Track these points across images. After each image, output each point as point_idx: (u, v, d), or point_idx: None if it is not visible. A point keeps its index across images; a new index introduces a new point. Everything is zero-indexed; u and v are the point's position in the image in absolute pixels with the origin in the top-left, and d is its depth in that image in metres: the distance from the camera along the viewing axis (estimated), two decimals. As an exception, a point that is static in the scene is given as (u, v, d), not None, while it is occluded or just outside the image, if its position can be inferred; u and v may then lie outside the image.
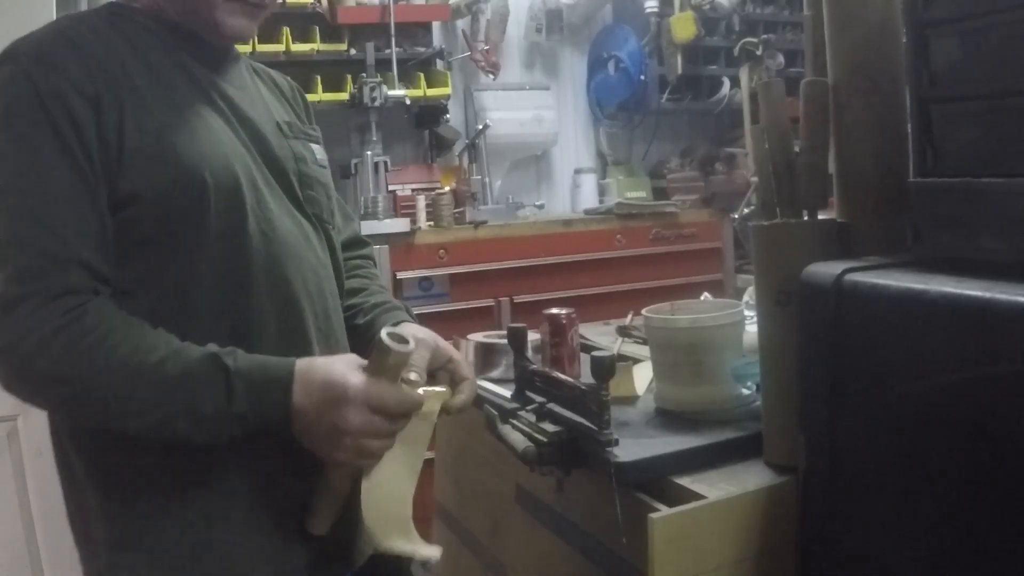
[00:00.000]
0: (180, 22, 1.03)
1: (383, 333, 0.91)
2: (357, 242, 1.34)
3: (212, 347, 0.91)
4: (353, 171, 3.05)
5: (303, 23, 3.05)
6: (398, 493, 0.99)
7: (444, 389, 1.01)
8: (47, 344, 0.86)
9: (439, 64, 3.29)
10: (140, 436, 0.90)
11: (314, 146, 1.18)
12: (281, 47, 2.96)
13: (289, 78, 1.32)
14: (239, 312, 0.97)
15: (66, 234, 0.89)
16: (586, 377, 1.01)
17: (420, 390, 0.95)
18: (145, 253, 0.94)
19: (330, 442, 0.91)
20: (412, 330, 1.05)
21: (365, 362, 0.93)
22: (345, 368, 0.92)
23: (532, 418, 1.08)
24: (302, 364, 0.92)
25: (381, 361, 0.91)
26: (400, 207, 2.99)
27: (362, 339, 1.15)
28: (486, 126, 3.25)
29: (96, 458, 0.96)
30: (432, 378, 1.02)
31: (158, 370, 0.88)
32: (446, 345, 1.07)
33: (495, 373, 1.38)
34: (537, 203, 3.38)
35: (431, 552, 0.99)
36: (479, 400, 1.28)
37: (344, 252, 1.25)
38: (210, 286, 0.96)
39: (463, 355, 1.38)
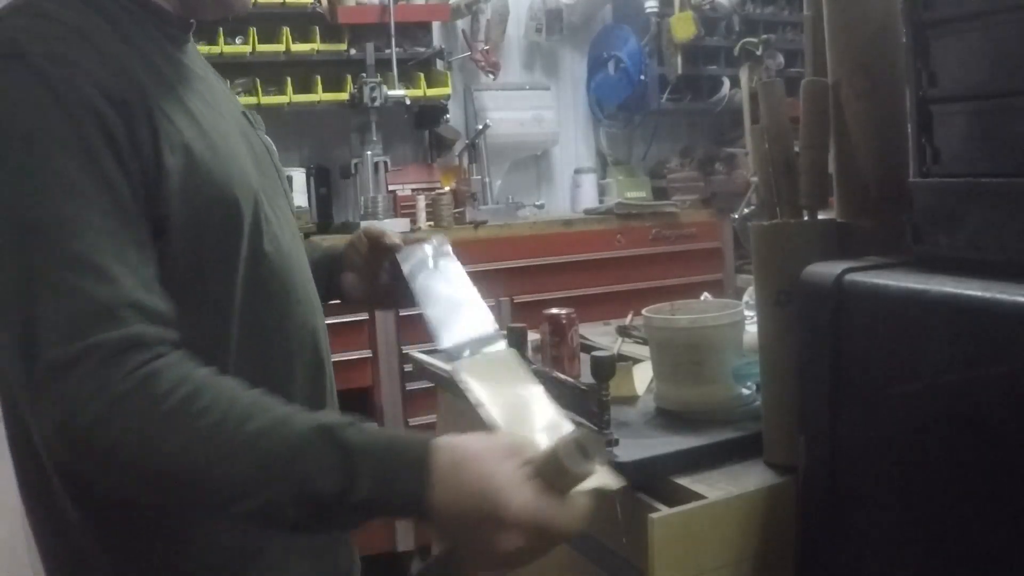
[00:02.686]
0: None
1: (563, 443, 0.71)
2: None
3: (323, 416, 0.75)
4: (353, 171, 3.05)
5: (303, 23, 3.05)
6: None
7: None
8: (113, 415, 0.69)
9: (439, 64, 3.29)
10: (245, 522, 0.77)
11: (267, 138, 1.07)
12: (281, 47, 2.96)
13: None
14: (268, 337, 0.89)
15: (114, 273, 0.72)
16: (586, 377, 1.01)
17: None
18: (174, 287, 0.79)
19: (473, 553, 0.74)
20: (371, 225, 1.18)
21: (523, 450, 0.74)
22: (508, 473, 0.72)
23: (532, 418, 1.08)
24: (443, 451, 0.73)
25: (557, 477, 0.72)
26: (400, 207, 2.99)
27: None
28: (486, 126, 3.25)
29: (106, 524, 0.84)
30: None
31: (258, 443, 0.71)
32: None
33: (495, 373, 1.38)
34: (537, 203, 3.38)
35: None
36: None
37: None
38: (241, 314, 0.86)
39: None
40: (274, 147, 1.06)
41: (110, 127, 0.75)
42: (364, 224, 1.26)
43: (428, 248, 1.13)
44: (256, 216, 0.88)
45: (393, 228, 2.77)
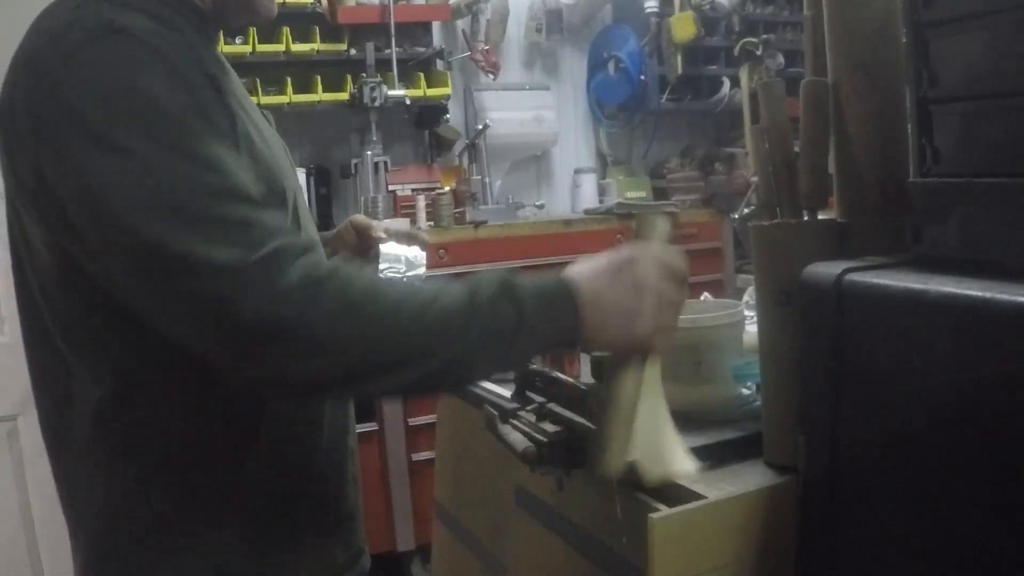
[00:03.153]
0: (206, 4, 0.93)
1: (642, 212, 0.99)
2: None
3: (487, 274, 0.84)
4: (353, 171, 3.06)
5: (303, 23, 3.05)
6: (666, 418, 0.90)
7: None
8: (318, 295, 0.74)
9: (439, 64, 3.29)
10: (431, 382, 0.81)
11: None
12: (281, 47, 2.96)
13: None
14: None
15: (272, 209, 0.80)
16: (586, 377, 1.01)
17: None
18: None
19: (629, 314, 0.85)
20: (359, 216, 1.23)
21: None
22: (614, 252, 0.89)
23: (532, 418, 1.08)
24: (569, 270, 0.88)
25: (648, 235, 0.92)
26: (400, 207, 2.99)
27: None
28: (486, 126, 3.25)
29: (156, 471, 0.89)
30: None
31: (435, 304, 0.79)
32: (393, 223, 1.31)
33: (495, 373, 1.38)
34: (537, 203, 3.38)
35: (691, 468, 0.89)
36: (479, 400, 1.28)
37: None
38: None
39: None
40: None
41: (212, 96, 0.82)
42: (353, 216, 1.32)
43: (405, 255, 1.25)
44: (295, 208, 0.95)
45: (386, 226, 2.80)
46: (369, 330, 0.77)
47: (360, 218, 1.30)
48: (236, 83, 0.98)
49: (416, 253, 1.27)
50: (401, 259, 1.25)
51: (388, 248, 1.25)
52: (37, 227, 0.83)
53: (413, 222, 2.88)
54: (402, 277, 1.23)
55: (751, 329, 1.12)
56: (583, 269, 0.87)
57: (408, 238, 1.30)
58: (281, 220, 0.82)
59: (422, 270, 1.26)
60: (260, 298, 0.73)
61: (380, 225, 1.30)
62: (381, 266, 1.23)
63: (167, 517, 0.89)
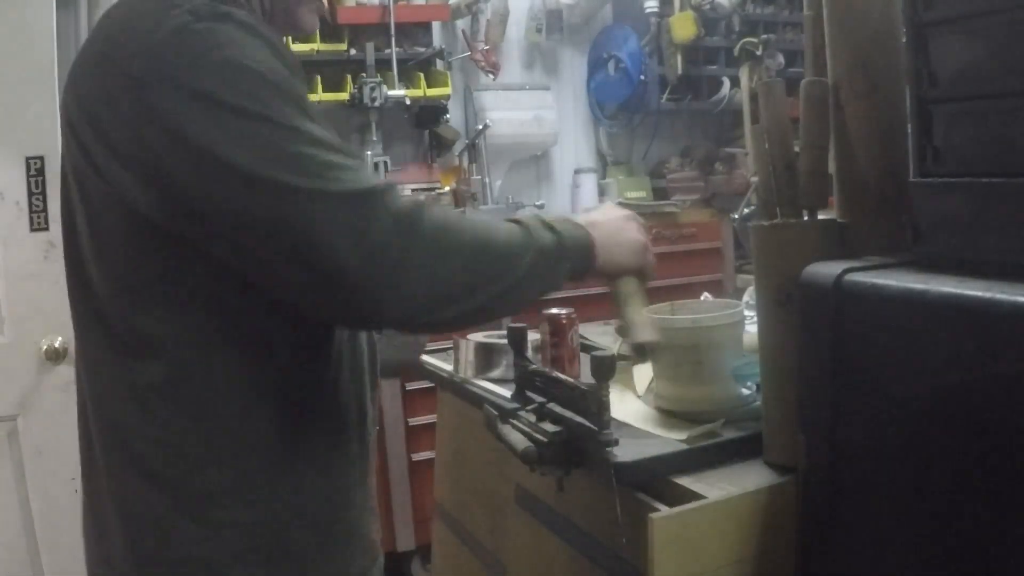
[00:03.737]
0: (266, 14, 1.01)
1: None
2: None
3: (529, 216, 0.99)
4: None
5: (303, 23, 3.04)
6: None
7: None
8: (414, 217, 0.84)
9: (439, 64, 3.29)
10: (498, 306, 0.93)
11: None
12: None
13: None
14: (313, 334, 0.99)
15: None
16: (586, 377, 1.01)
17: None
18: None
19: (634, 252, 1.08)
20: None
21: None
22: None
23: (532, 418, 1.08)
24: (587, 216, 1.07)
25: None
26: (400, 207, 2.99)
27: None
28: (486, 126, 3.25)
29: (174, 462, 0.90)
30: None
31: (501, 234, 0.93)
32: None
33: (495, 373, 1.38)
34: (537, 203, 3.38)
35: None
36: (479, 400, 1.28)
37: None
38: None
39: (464, 355, 1.40)
40: None
41: (300, 73, 0.89)
42: None
43: None
44: None
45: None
46: (458, 254, 0.87)
47: None
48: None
49: None
50: None
51: None
52: (130, 190, 0.85)
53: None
54: None
55: (751, 329, 1.12)
56: (580, 215, 1.07)
57: None
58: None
59: None
60: (386, 219, 0.82)
61: None
62: None
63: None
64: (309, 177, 0.81)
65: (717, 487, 0.95)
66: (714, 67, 3.59)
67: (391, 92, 3.03)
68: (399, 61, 3.10)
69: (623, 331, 1.13)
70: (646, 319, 1.11)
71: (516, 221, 0.98)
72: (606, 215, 1.09)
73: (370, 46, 3.03)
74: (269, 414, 0.91)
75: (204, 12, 0.84)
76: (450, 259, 0.86)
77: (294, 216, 0.80)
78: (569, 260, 0.99)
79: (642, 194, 3.54)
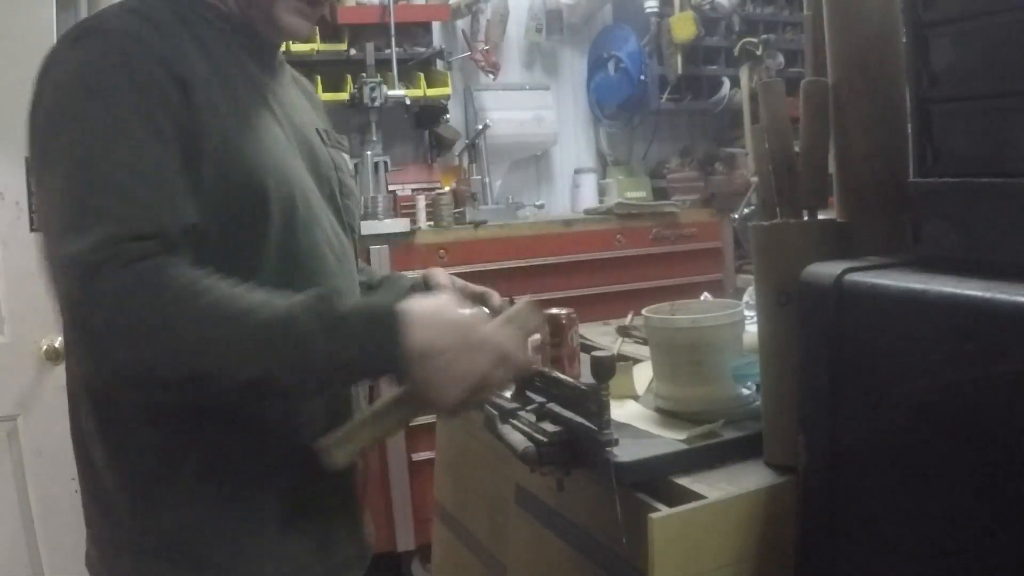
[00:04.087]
0: (239, 16, 1.01)
1: (521, 301, 0.94)
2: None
3: (311, 292, 0.85)
4: (353, 171, 3.05)
5: (303, 23, 3.04)
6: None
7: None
8: (129, 299, 0.79)
9: (439, 64, 3.29)
10: (240, 395, 0.84)
11: (345, 155, 1.19)
12: (281, 47, 2.96)
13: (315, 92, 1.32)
14: None
15: (153, 211, 0.84)
16: (586, 377, 1.01)
17: None
18: (205, 263, 0.88)
19: (448, 382, 0.86)
20: (432, 273, 1.15)
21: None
22: (473, 315, 0.91)
23: (532, 418, 1.08)
24: (410, 304, 0.87)
25: (514, 323, 0.93)
26: (400, 207, 2.99)
27: None
28: (486, 126, 3.25)
29: (129, 468, 0.94)
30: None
31: (254, 315, 0.81)
32: (458, 280, 1.19)
33: (495, 373, 1.38)
34: (537, 203, 3.38)
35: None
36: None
37: None
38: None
39: None
40: (346, 163, 1.16)
41: (167, 93, 0.87)
42: (431, 271, 1.25)
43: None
44: (291, 210, 0.95)
45: (393, 228, 2.79)
46: (177, 331, 0.80)
47: (438, 276, 1.24)
48: (273, 94, 1.03)
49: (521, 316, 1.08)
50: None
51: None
52: None
53: (413, 222, 2.88)
54: None
55: (751, 329, 1.12)
56: (426, 311, 0.87)
57: (479, 300, 1.21)
58: (161, 216, 0.84)
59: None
60: (94, 299, 0.79)
61: (453, 286, 1.22)
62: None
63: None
64: (58, 239, 0.82)
65: (717, 487, 0.95)
66: (714, 67, 3.59)
67: (391, 92, 3.02)
68: (399, 61, 3.10)
69: (331, 440, 0.93)
70: (365, 443, 0.95)
71: (297, 302, 0.84)
72: (459, 344, 0.86)
73: (370, 46, 3.03)
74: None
75: (84, 29, 0.91)
76: (177, 326, 0.80)
77: (49, 276, 0.83)
78: (350, 359, 0.83)
79: (642, 194, 3.54)
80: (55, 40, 0.96)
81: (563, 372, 1.21)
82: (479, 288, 1.21)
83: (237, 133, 0.92)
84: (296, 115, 1.06)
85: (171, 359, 0.80)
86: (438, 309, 0.88)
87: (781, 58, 3.49)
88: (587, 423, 1.00)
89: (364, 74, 3.01)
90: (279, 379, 0.82)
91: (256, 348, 0.80)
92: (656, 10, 3.42)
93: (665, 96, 3.51)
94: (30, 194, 2.02)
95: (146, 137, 0.85)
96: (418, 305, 0.87)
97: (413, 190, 3.08)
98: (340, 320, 0.83)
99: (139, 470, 0.93)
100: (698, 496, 0.93)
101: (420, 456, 2.70)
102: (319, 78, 3.01)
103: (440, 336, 0.85)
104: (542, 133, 3.51)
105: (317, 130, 1.12)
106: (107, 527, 0.98)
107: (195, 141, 0.88)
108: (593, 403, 0.98)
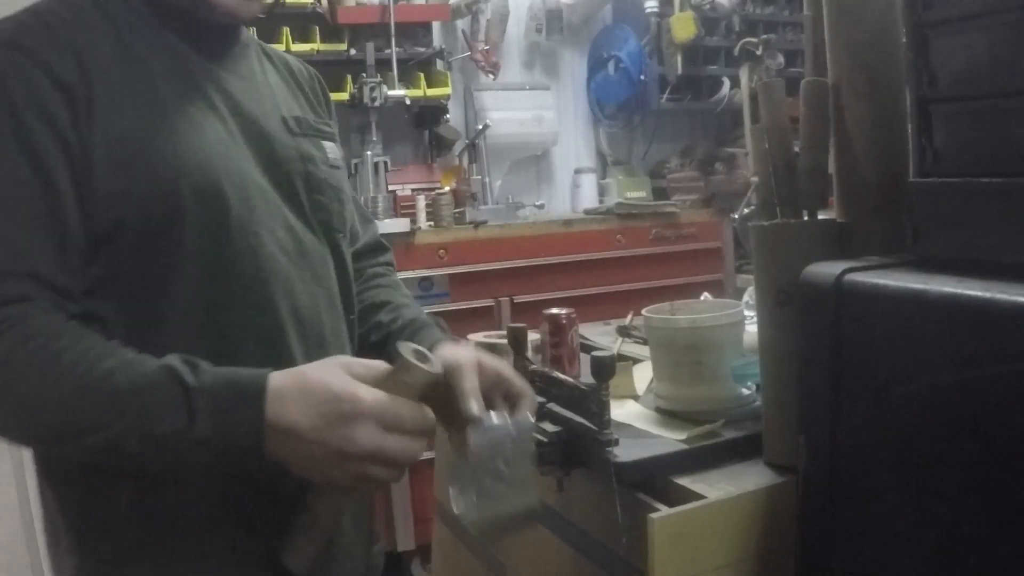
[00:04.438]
0: (172, 1, 0.92)
1: (405, 349, 0.81)
2: (377, 247, 1.23)
3: (171, 358, 0.78)
4: (353, 171, 3.05)
5: (303, 23, 3.05)
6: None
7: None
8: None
9: (439, 64, 3.29)
10: (94, 459, 0.79)
11: (327, 144, 1.05)
12: (281, 47, 2.96)
13: (309, 66, 1.18)
14: (216, 343, 0.86)
15: (19, 245, 0.79)
16: (586, 377, 1.01)
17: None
18: (116, 273, 0.84)
19: (330, 465, 0.78)
20: (450, 350, 0.90)
21: (362, 370, 0.81)
22: (348, 380, 0.79)
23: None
24: (281, 376, 0.79)
25: (400, 379, 0.80)
26: (400, 207, 2.99)
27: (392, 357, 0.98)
28: (486, 126, 3.25)
29: (67, 494, 0.88)
30: (487, 401, 0.88)
31: (106, 381, 0.76)
32: (492, 362, 0.91)
33: (495, 373, 1.38)
34: (537, 203, 3.38)
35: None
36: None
37: (363, 260, 1.17)
38: (185, 312, 0.86)
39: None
40: (324, 153, 1.03)
41: (51, 108, 0.81)
42: (446, 355, 0.89)
43: (505, 431, 0.88)
44: (217, 212, 0.87)
45: (393, 228, 2.79)
46: (25, 391, 0.77)
47: (458, 366, 0.89)
48: (218, 84, 0.94)
49: (522, 419, 0.90)
50: (501, 440, 0.87)
51: (483, 432, 0.87)
52: None
53: (413, 222, 2.88)
54: (505, 466, 0.87)
55: (751, 329, 1.12)
56: (298, 385, 0.78)
57: (503, 386, 0.92)
58: (32, 256, 0.79)
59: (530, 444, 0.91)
60: None
61: (473, 390, 0.88)
62: (472, 445, 0.86)
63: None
64: None
65: (717, 487, 0.95)
66: (714, 67, 3.59)
67: (391, 92, 3.02)
68: (399, 61, 3.10)
69: (285, 547, 0.85)
70: (318, 545, 0.86)
71: (154, 367, 0.78)
72: (330, 420, 0.77)
73: (370, 46, 3.03)
74: None
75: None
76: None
77: None
78: (204, 437, 0.76)
79: (642, 194, 3.54)
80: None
81: (563, 372, 1.21)
82: (517, 383, 0.93)
83: (144, 133, 0.85)
84: (250, 103, 0.96)
85: (17, 419, 0.78)
86: (314, 381, 0.78)
87: (781, 58, 3.49)
88: (587, 423, 1.00)
89: (364, 74, 3.01)
90: (132, 451, 0.76)
91: (103, 416, 0.76)
92: (656, 10, 3.42)
93: (665, 96, 3.51)
94: None
95: (19, 167, 0.80)
96: (292, 377, 0.79)
97: (413, 190, 3.08)
98: (196, 392, 0.76)
99: (74, 498, 0.88)
100: (698, 496, 0.93)
101: (420, 456, 2.70)
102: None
103: (308, 411, 0.76)
104: (542, 133, 3.51)
105: (285, 118, 1.01)
106: (55, 556, 0.93)
107: (85, 151, 0.82)
108: (593, 403, 0.98)
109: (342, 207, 1.04)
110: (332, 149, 1.06)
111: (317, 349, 0.95)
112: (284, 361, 0.88)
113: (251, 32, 1.09)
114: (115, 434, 0.76)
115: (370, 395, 0.78)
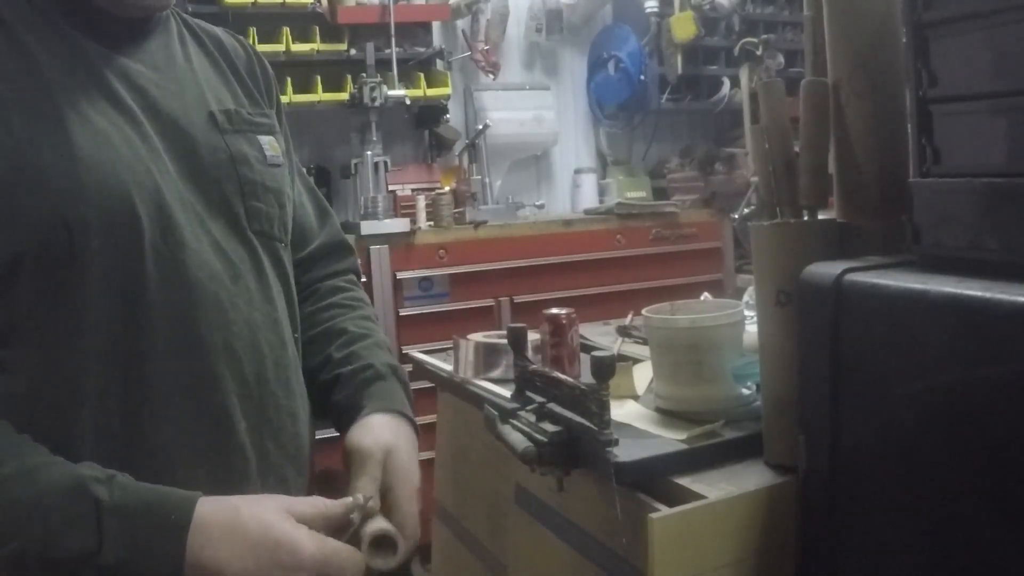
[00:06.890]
0: None
1: (370, 531, 0.79)
2: (336, 249, 1.10)
3: (84, 468, 0.69)
4: (353, 171, 3.06)
5: (303, 23, 3.05)
6: None
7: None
8: None
9: (439, 64, 3.29)
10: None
11: (264, 138, 0.93)
12: (281, 47, 2.96)
13: (249, 44, 1.02)
14: (132, 386, 0.76)
15: None
16: (586, 377, 1.01)
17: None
18: (17, 317, 0.73)
19: None
20: (370, 435, 0.89)
21: (308, 509, 0.75)
22: (289, 526, 0.72)
23: (532, 418, 1.08)
24: (211, 508, 0.70)
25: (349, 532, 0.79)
26: (400, 207, 2.99)
27: (337, 412, 0.95)
28: (486, 126, 3.25)
29: None
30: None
31: (7, 489, 0.67)
32: (401, 475, 0.92)
33: (495, 373, 1.38)
34: (537, 203, 3.39)
35: None
36: (479, 400, 1.28)
37: (320, 267, 1.06)
38: (99, 359, 0.75)
39: (463, 355, 1.35)
40: (261, 150, 0.92)
41: None
42: (362, 440, 0.95)
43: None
44: (128, 235, 0.77)
45: (393, 228, 2.79)
46: None
47: (359, 463, 0.91)
48: (127, 80, 0.82)
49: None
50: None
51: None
52: None
53: (413, 222, 2.88)
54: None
55: (751, 329, 1.12)
56: (228, 522, 0.70)
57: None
58: None
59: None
60: None
61: (363, 488, 0.89)
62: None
63: None
64: None
65: (717, 487, 0.95)
66: (714, 67, 3.60)
67: (391, 92, 3.03)
68: (399, 61, 3.10)
69: None
70: None
71: (69, 482, 0.69)
72: (282, 544, 0.71)
73: (370, 46, 3.03)
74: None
75: None
76: None
77: None
78: (118, 561, 0.68)
79: (642, 194, 3.55)
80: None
81: (563, 372, 1.21)
82: (402, 511, 0.97)
83: (35, 148, 0.73)
84: (168, 99, 0.84)
85: None
86: (249, 521, 0.71)
87: (781, 58, 3.50)
88: (587, 423, 1.00)
89: (364, 74, 3.01)
90: (32, 570, 0.67)
91: (3, 529, 0.67)
92: (656, 10, 3.42)
93: (665, 96, 3.52)
94: None
95: None
96: (223, 513, 0.70)
97: (413, 190, 3.08)
98: (108, 511, 0.67)
99: None
100: (698, 496, 0.93)
101: (420, 456, 2.70)
102: (319, 78, 3.01)
103: (241, 554, 0.69)
104: (542, 133, 3.51)
105: (212, 112, 0.88)
106: None
107: None
108: (593, 403, 0.98)
109: (283, 211, 0.93)
110: (271, 144, 0.94)
111: (257, 386, 0.86)
112: (217, 414, 0.80)
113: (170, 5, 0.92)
114: (13, 552, 0.66)
115: (312, 544, 0.72)
